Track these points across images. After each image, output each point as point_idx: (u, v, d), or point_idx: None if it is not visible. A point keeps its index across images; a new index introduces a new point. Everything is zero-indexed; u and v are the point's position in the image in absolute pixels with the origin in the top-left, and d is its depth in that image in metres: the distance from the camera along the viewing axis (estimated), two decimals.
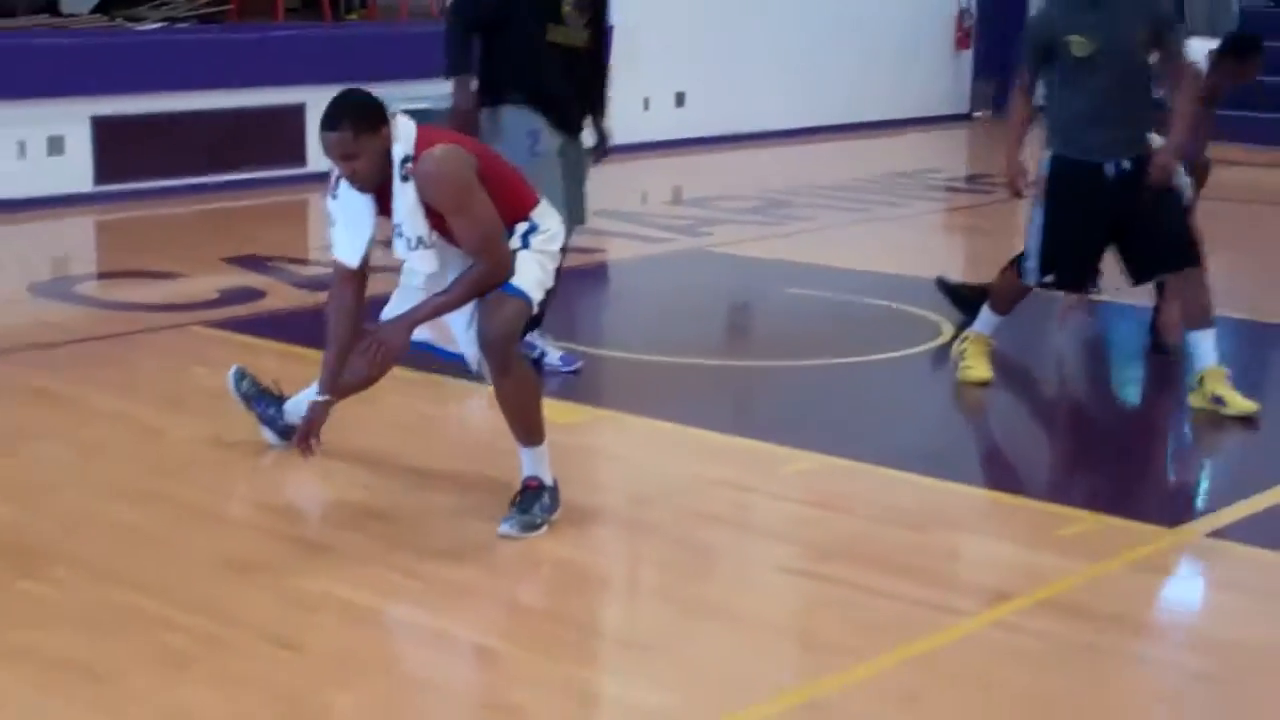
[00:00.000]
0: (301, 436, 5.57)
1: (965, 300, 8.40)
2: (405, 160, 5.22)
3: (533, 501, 5.45)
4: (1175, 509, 6.15)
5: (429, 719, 4.31)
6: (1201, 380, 6.89)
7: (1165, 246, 6.93)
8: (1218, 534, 5.71)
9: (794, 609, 5.11)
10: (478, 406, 5.74)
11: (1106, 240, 7.13)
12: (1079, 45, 6.84)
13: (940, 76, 18.02)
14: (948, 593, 5.10)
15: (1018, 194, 7.17)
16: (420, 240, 5.33)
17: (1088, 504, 5.96)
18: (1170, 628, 4.93)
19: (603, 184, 13.26)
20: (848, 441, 6.48)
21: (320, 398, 5.56)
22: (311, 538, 5.51)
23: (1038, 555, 5.54)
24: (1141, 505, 6.10)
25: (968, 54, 18.26)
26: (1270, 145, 15.47)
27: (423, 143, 5.25)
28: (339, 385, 5.58)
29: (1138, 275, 7.20)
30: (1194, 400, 6.93)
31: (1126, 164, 6.86)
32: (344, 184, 5.36)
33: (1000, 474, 6.34)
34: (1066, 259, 7.09)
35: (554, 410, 6.12)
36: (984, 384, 7.26)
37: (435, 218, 5.32)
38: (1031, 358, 7.79)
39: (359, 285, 5.52)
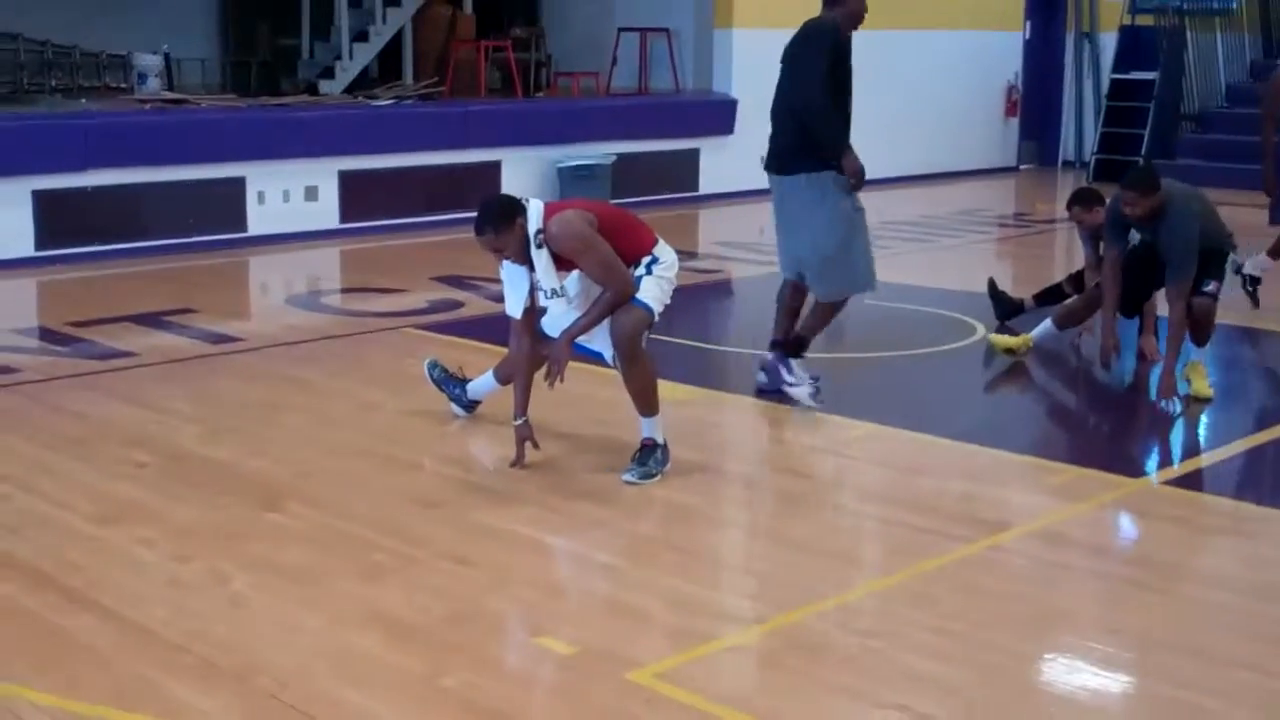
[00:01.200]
0: (518, 454, 5.63)
1: (1004, 305, 8.39)
2: (538, 233, 5.36)
3: (649, 456, 5.55)
4: (1138, 464, 6.15)
5: (568, 618, 4.37)
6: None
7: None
8: (1168, 483, 5.75)
9: (841, 537, 5.17)
10: (612, 388, 5.86)
11: None
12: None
13: (994, 137, 17.83)
14: (959, 525, 5.13)
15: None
16: (554, 291, 5.46)
17: (1072, 460, 5.98)
18: (1123, 550, 4.96)
19: (730, 221, 13.42)
20: (896, 414, 6.51)
21: (519, 421, 5.61)
22: (484, 483, 5.61)
23: (1030, 497, 5.59)
24: (1113, 461, 6.09)
25: (1015, 120, 18.09)
26: None
27: (549, 214, 5.40)
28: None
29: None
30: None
31: None
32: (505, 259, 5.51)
33: (1008, 438, 6.29)
34: None
35: (673, 390, 6.25)
36: (1006, 351, 7.48)
37: (570, 264, 5.46)
38: (1049, 355, 7.75)
39: (529, 330, 5.60)
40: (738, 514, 5.51)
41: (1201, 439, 6.52)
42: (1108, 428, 6.91)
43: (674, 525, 5.22)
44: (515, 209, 5.38)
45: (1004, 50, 17.78)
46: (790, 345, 6.67)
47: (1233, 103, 16.92)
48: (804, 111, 6.44)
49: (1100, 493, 5.56)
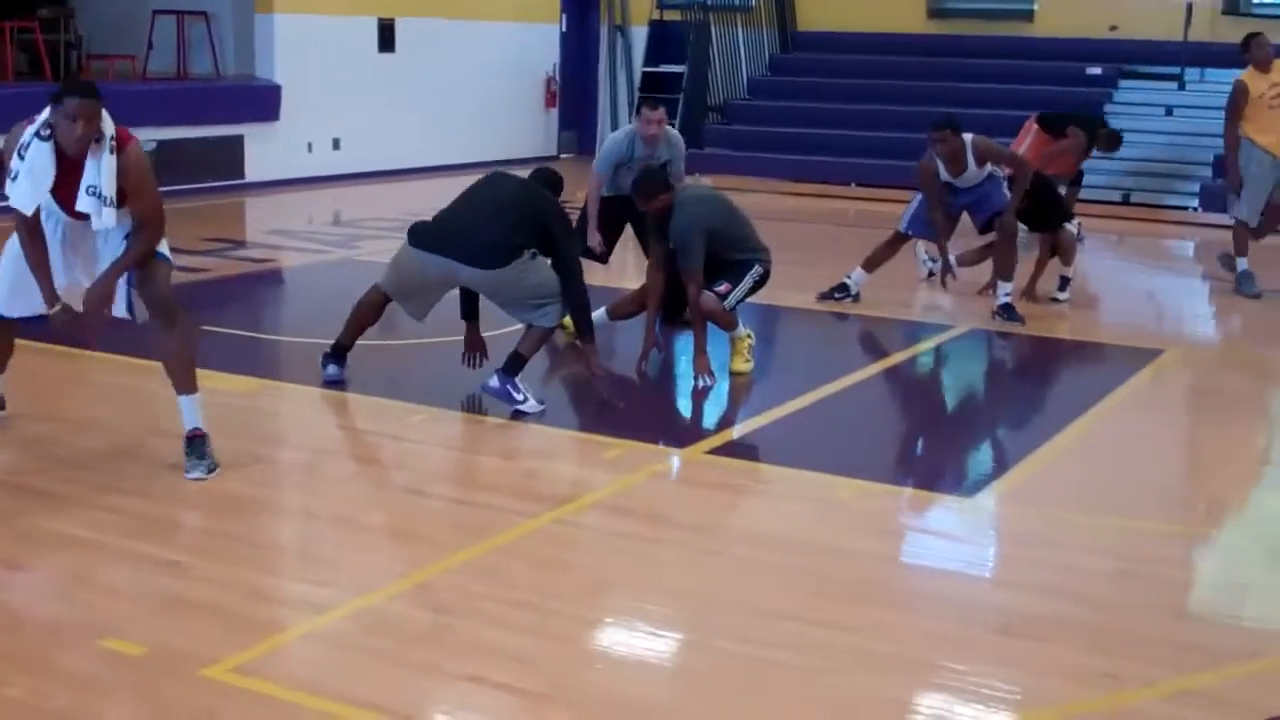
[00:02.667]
0: (79, 336, 5.39)
1: None
2: (113, 138, 5.16)
3: (203, 446, 5.43)
4: (683, 436, 6.46)
5: (135, 619, 4.26)
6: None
7: None
8: (712, 451, 6.09)
9: (409, 519, 5.24)
10: (159, 379, 5.67)
11: None
12: None
13: (535, 127, 18.29)
14: (524, 500, 5.30)
15: None
16: (111, 199, 5.20)
17: (624, 435, 6.24)
18: (673, 516, 5.28)
19: (280, 210, 13.21)
20: (454, 398, 6.60)
21: (55, 308, 5.30)
22: (32, 486, 5.33)
23: (588, 471, 5.85)
24: (661, 434, 6.43)
25: (554, 110, 18.61)
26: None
27: (121, 131, 5.22)
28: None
29: None
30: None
31: None
32: (33, 148, 5.12)
33: (565, 418, 6.54)
34: None
35: (231, 382, 6.14)
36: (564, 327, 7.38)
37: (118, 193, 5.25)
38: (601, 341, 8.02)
39: (37, 224, 5.29)
40: (306, 502, 5.47)
41: (739, 410, 6.95)
42: (657, 403, 7.24)
43: (241, 518, 5.14)
44: (101, 100, 5.13)
45: (542, 42, 18.24)
46: (511, 364, 6.47)
47: (754, 95, 17.96)
48: (577, 281, 6.51)
49: (650, 464, 5.88)
